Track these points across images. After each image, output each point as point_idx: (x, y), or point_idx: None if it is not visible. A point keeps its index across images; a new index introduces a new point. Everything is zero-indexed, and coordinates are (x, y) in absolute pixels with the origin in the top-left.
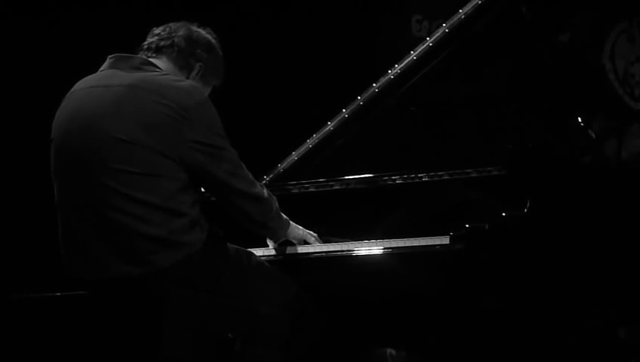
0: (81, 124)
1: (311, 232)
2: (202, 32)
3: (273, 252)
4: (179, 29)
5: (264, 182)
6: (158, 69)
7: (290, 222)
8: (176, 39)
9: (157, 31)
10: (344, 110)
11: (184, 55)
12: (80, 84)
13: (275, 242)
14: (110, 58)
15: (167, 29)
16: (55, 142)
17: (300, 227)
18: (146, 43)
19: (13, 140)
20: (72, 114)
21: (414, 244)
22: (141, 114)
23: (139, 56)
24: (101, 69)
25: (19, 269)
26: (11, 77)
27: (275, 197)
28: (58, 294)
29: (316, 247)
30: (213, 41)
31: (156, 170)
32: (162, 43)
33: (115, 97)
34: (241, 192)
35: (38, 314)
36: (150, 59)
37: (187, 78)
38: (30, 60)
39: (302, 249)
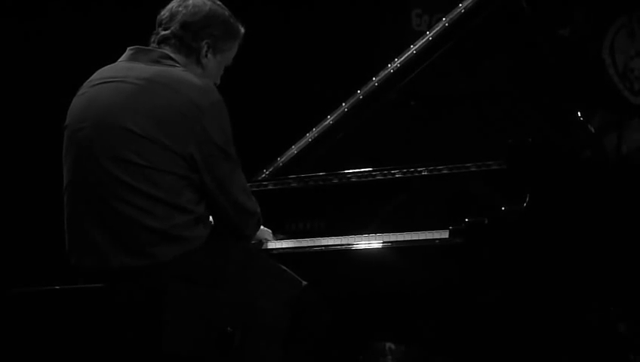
0: (95, 114)
1: (267, 229)
2: (199, 2)
3: (272, 246)
4: (175, 14)
5: (264, 175)
6: (177, 64)
7: None
8: (172, 28)
9: (160, 18)
10: (344, 104)
11: (186, 42)
12: (98, 75)
13: None
14: (130, 50)
15: (167, 14)
16: (68, 129)
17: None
18: (153, 35)
19: (13, 134)
20: (88, 104)
21: (414, 238)
22: (156, 108)
23: (158, 49)
24: (120, 59)
25: (17, 262)
26: (21, 68)
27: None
28: (57, 287)
29: (315, 241)
30: (212, 6)
31: (164, 164)
32: (164, 35)
33: (132, 91)
34: (235, 199)
35: (36, 307)
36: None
37: (198, 59)
38: (43, 52)
39: (300, 243)
